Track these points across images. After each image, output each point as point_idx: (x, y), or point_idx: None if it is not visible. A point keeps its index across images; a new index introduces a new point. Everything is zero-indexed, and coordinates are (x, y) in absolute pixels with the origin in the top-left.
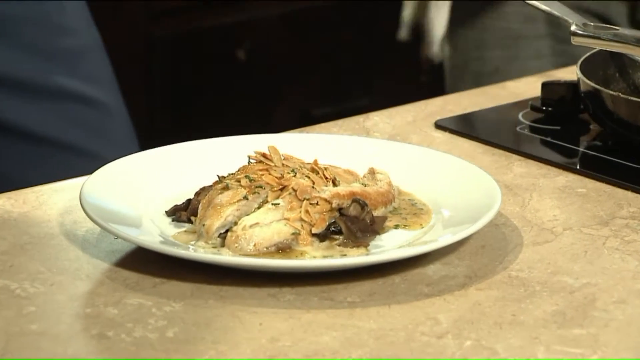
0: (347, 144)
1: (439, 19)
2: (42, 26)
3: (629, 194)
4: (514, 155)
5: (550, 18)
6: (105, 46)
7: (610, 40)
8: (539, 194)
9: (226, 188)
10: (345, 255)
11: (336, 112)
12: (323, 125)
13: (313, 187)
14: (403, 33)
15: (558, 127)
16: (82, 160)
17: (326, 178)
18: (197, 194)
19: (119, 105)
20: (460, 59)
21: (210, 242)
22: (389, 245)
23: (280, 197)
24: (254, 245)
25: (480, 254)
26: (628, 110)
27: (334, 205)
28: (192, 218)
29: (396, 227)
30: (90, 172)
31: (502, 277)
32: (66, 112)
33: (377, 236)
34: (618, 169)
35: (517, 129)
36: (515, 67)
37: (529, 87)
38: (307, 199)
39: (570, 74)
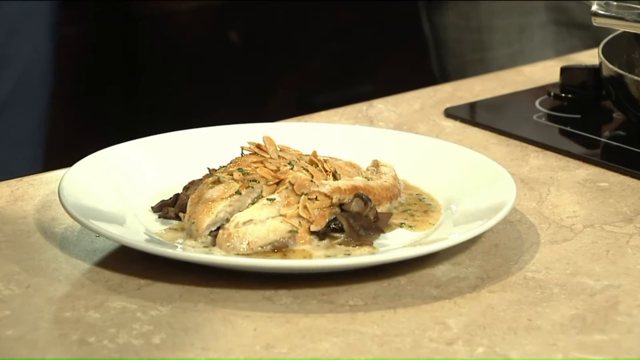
0: (349, 133)
1: None
2: None
3: None
4: (530, 146)
5: (549, 3)
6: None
7: (635, 21)
8: (557, 189)
9: (217, 182)
10: (349, 254)
11: (337, 99)
12: (323, 113)
13: (312, 180)
14: None
15: (578, 116)
16: None
17: (326, 171)
18: (186, 188)
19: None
20: (457, 63)
21: (200, 240)
22: (394, 243)
23: (276, 191)
24: (248, 244)
25: (494, 253)
26: None
27: (334, 200)
28: (181, 214)
29: (401, 225)
30: None
31: (517, 278)
32: None
33: (382, 234)
34: None
35: (534, 117)
36: (521, 62)
37: (546, 72)
38: (306, 194)
39: (592, 57)
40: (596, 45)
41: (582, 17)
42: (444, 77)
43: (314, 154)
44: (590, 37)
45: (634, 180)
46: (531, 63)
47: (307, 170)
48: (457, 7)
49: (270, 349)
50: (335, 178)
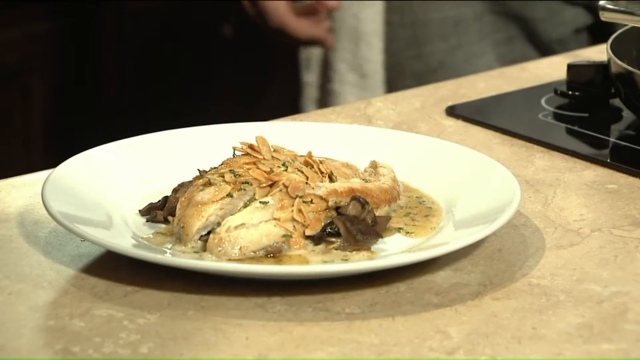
0: (346, 133)
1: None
2: None
3: None
4: (535, 146)
5: None
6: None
7: None
8: (563, 191)
9: (208, 184)
10: (346, 260)
11: None
12: (319, 112)
13: (307, 183)
14: None
15: (586, 114)
16: None
17: (322, 173)
18: (175, 190)
19: None
20: (394, 60)
21: (189, 245)
22: (393, 248)
23: (270, 194)
24: (240, 248)
25: (497, 258)
26: None
27: (330, 203)
28: (170, 218)
29: (399, 230)
30: None
31: (522, 285)
32: None
33: (380, 239)
34: None
35: (540, 116)
36: (460, 56)
37: (553, 69)
38: (300, 197)
39: (600, 53)
40: (535, 35)
41: (517, 7)
42: (386, 73)
43: (309, 154)
44: (527, 27)
45: None
46: (537, 60)
47: (302, 172)
48: (389, 3)
49: (263, 358)
50: (331, 180)
